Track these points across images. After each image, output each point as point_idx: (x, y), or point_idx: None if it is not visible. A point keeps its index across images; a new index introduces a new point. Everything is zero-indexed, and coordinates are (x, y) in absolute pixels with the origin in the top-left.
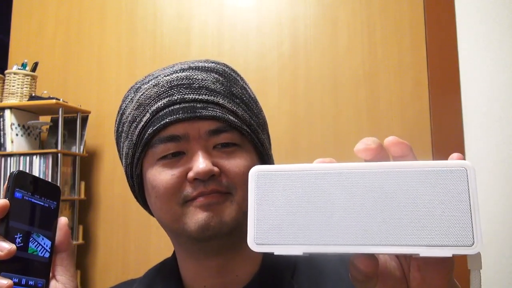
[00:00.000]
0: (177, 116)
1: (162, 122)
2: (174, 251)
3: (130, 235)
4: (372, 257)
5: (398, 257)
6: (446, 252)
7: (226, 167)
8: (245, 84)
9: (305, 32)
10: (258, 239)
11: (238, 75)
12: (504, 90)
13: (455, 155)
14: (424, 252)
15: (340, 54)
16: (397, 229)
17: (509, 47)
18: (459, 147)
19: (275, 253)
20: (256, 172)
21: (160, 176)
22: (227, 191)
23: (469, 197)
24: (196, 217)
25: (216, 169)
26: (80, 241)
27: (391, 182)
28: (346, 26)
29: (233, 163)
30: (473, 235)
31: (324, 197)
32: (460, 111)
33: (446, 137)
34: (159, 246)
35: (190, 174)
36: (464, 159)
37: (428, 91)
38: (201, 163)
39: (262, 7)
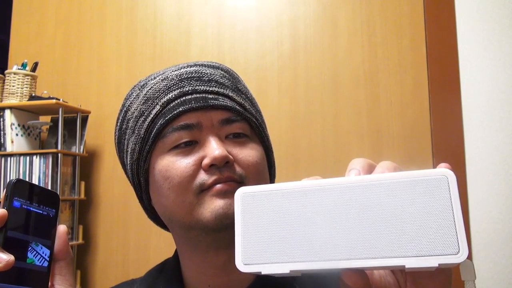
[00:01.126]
0: (190, 105)
1: (175, 112)
2: (175, 251)
3: (130, 235)
4: (360, 272)
5: (394, 272)
6: (432, 262)
7: (239, 157)
8: (246, 85)
9: (305, 32)
10: (245, 260)
11: (239, 76)
12: (504, 90)
13: (443, 164)
14: (410, 263)
15: (340, 54)
16: (382, 241)
17: (509, 47)
18: (459, 147)
19: (262, 273)
20: (241, 193)
21: (175, 165)
22: (241, 181)
23: (452, 205)
24: (213, 206)
25: (230, 156)
26: (80, 241)
27: (373, 195)
28: (346, 26)
29: (246, 153)
30: (458, 243)
31: (308, 214)
32: (460, 111)
33: (446, 137)
34: (159, 246)
35: (206, 161)
36: (451, 168)
37: (428, 91)
38: (216, 148)
39: (262, 7)
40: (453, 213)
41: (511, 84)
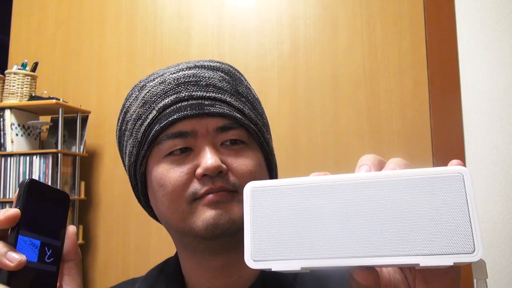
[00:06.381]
0: (185, 112)
1: (170, 119)
2: (176, 251)
3: (130, 235)
4: (371, 270)
5: (402, 270)
6: (447, 261)
7: (233, 165)
8: (249, 84)
9: (305, 32)
10: (255, 256)
11: (242, 75)
12: (504, 90)
13: (454, 161)
14: (424, 261)
15: (340, 54)
16: (395, 239)
17: (509, 47)
18: (459, 147)
19: (272, 269)
20: (251, 188)
21: (169, 173)
22: (234, 190)
23: (467, 203)
24: (205, 216)
25: (224, 166)
26: (80, 241)
27: (386, 191)
28: (346, 26)
29: (241, 162)
30: (473, 242)
31: (320, 210)
32: (460, 111)
33: (446, 137)
34: (159, 246)
35: (199, 170)
36: (463, 165)
37: (428, 91)
38: (209, 158)
39: (262, 7)
40: (468, 211)
41: (511, 84)
